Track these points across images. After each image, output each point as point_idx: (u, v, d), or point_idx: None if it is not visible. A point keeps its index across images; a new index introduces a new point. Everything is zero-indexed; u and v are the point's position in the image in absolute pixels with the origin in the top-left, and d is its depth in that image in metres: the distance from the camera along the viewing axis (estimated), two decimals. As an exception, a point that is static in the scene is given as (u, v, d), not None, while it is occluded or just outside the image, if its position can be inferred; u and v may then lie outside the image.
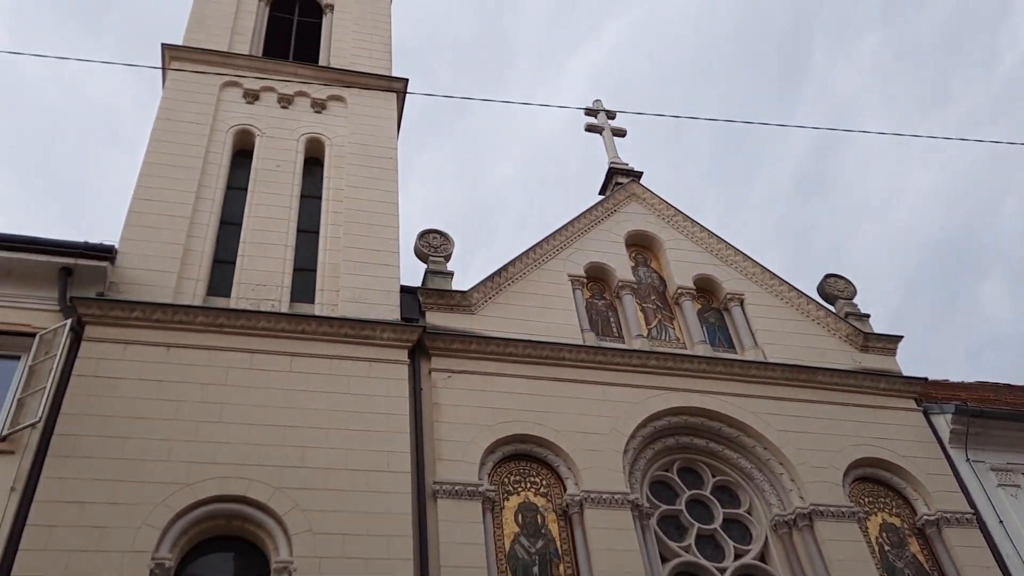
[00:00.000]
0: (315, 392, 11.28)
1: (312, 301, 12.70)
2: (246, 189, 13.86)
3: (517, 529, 11.21)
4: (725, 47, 64.21)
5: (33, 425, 9.86)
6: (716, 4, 64.62)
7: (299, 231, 13.54)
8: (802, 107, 60.94)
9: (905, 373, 14.39)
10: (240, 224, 13.32)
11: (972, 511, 12.75)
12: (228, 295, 12.34)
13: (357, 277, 12.93)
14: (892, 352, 14.66)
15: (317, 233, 13.65)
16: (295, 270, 12.99)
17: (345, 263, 13.08)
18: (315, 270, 13.13)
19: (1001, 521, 12.75)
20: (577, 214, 15.20)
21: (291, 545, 9.82)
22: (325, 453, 10.70)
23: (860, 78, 61.16)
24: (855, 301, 15.44)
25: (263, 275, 12.65)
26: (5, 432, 9.76)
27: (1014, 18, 57.19)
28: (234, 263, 12.81)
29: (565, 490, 11.63)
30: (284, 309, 12.26)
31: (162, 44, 15.24)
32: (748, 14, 63.72)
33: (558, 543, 11.18)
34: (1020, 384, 16.26)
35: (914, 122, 57.24)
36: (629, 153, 17.48)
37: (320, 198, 14.19)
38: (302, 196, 14.07)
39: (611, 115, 17.98)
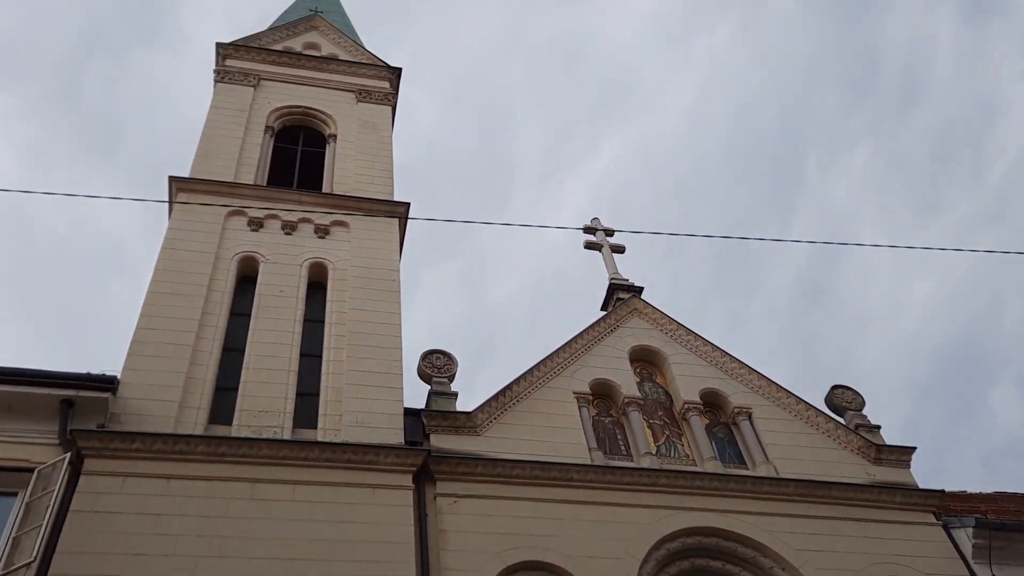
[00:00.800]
0: (318, 522, 10.98)
1: (315, 426, 12.53)
2: (249, 315, 13.91)
3: (529, 664, 10.72)
4: (719, 162, 66.01)
5: (27, 565, 9.55)
6: (708, 120, 66.79)
7: (302, 355, 13.51)
8: (798, 218, 62.07)
9: (921, 485, 14.06)
10: (243, 350, 13.30)
11: (1003, 631, 12.21)
12: (230, 423, 12.20)
13: (360, 401, 12.82)
14: (906, 464, 14.36)
15: (320, 357, 13.62)
16: (298, 395, 12.89)
17: (348, 387, 12.98)
18: (318, 394, 13.03)
19: (1034, 641, 12.18)
20: (580, 331, 15.20)
21: None
22: (328, 587, 10.32)
23: (853, 189, 62.56)
24: (864, 412, 15.23)
25: (265, 401, 12.55)
26: (-2, 573, 9.46)
27: (999, 129, 58.95)
28: (236, 390, 12.72)
29: (578, 620, 11.16)
30: (286, 436, 12.10)
31: (169, 177, 15.62)
32: (740, 130, 65.78)
33: (572, 678, 10.68)
34: (1040, 493, 15.84)
35: (909, 231, 58.15)
36: (630, 268, 17.66)
37: (323, 322, 14.23)
38: (305, 320, 14.12)
39: (609, 232, 18.23)
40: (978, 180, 59.69)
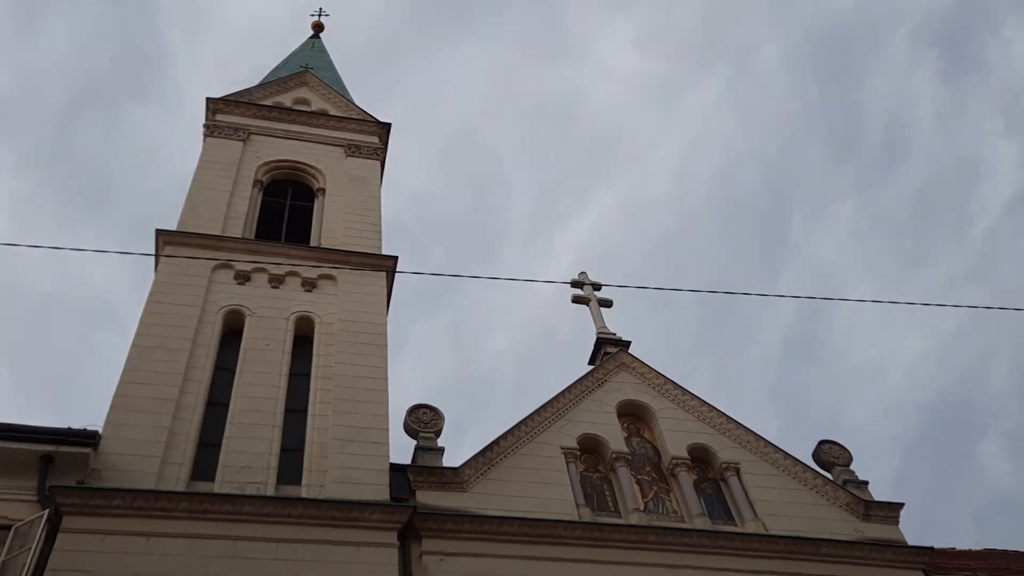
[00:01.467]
0: (301, 581, 10.76)
1: (299, 482, 12.35)
2: (234, 369, 13.79)
3: None
4: (706, 218, 66.70)
5: (1, 627, 9.32)
6: (695, 176, 67.64)
7: (287, 410, 13.36)
8: (785, 273, 62.48)
9: (910, 542, 13.94)
10: (227, 405, 13.15)
11: None
12: (212, 479, 12.01)
13: (345, 456, 12.66)
14: (895, 520, 14.25)
15: (305, 412, 13.48)
16: (282, 450, 12.72)
17: (333, 442, 12.84)
18: (303, 450, 12.86)
19: None
20: (567, 385, 15.14)
21: None
22: (310, 649, 10.09)
23: (839, 244, 63.18)
24: (852, 467, 15.16)
25: (249, 457, 12.38)
26: (-30, 636, 9.21)
27: (981, 185, 59.96)
28: (220, 445, 12.55)
29: None
30: (270, 492, 11.92)
31: (156, 230, 15.60)
32: (726, 186, 66.59)
33: None
34: (1030, 550, 15.71)
35: (895, 286, 58.56)
36: (617, 322, 17.66)
37: (309, 376, 14.10)
38: (291, 374, 14.00)
39: (597, 287, 18.27)
40: (962, 236, 60.52)
